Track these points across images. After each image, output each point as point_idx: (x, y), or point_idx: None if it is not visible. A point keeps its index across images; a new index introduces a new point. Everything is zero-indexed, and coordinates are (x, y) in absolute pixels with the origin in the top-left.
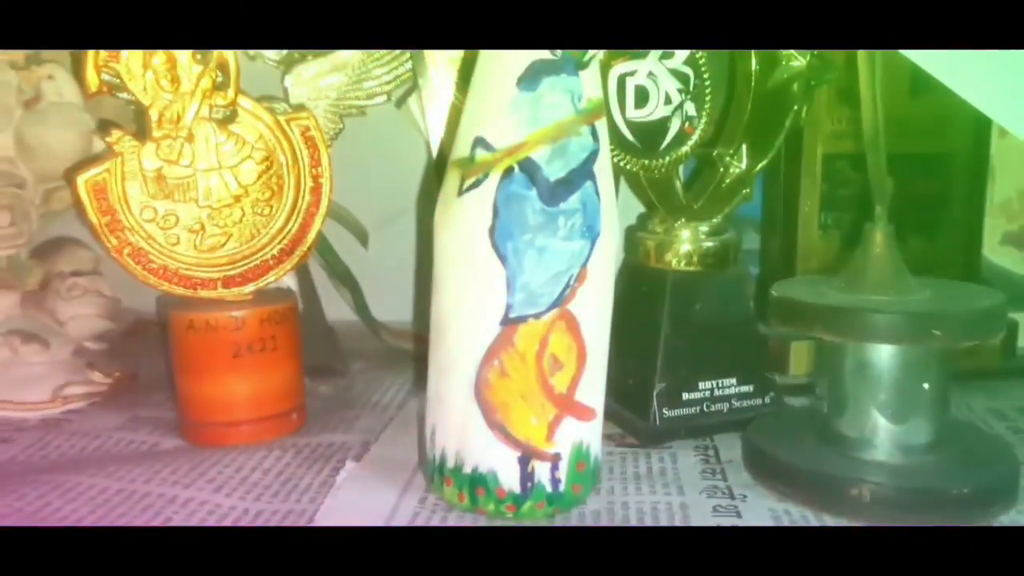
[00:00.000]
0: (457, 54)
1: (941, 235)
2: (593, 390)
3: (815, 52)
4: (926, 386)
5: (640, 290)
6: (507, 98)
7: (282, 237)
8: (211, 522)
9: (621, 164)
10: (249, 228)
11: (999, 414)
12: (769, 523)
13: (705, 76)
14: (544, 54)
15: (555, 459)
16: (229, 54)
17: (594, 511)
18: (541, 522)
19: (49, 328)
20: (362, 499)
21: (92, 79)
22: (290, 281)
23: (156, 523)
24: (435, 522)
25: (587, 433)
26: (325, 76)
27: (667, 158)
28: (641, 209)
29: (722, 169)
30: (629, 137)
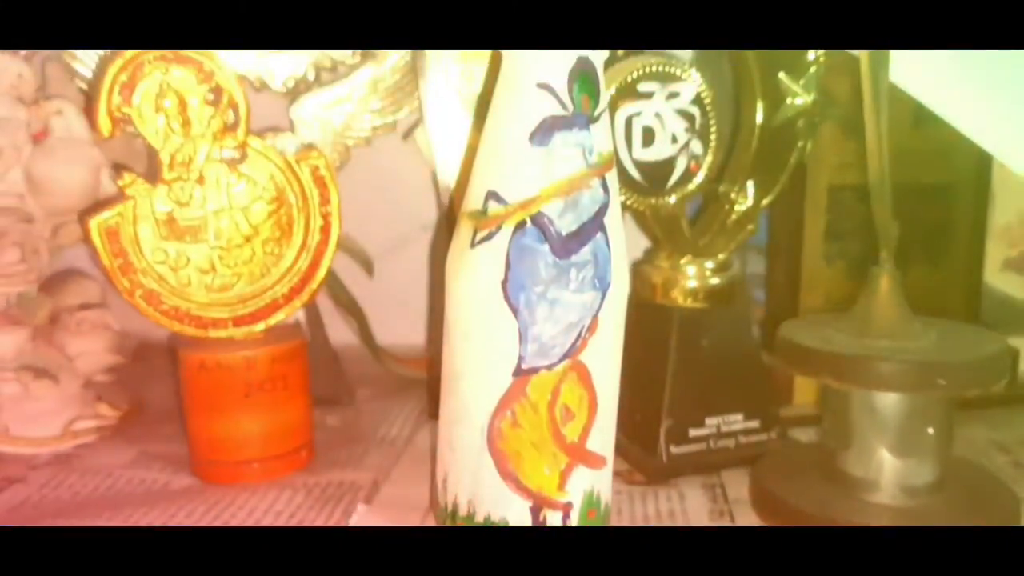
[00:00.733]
0: (465, 86)
1: (943, 262)
2: (604, 438)
3: (819, 89)
4: (931, 430)
5: (646, 325)
6: (520, 152)
7: (292, 275)
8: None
9: (628, 203)
10: (259, 267)
11: (1001, 447)
12: None
13: (711, 115)
14: (556, 109)
15: (567, 508)
16: (239, 96)
17: None
18: None
19: (59, 363)
20: None
21: (105, 123)
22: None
23: None
24: None
25: (598, 480)
26: (331, 106)
27: (673, 196)
28: (647, 243)
29: (727, 206)
30: (636, 176)
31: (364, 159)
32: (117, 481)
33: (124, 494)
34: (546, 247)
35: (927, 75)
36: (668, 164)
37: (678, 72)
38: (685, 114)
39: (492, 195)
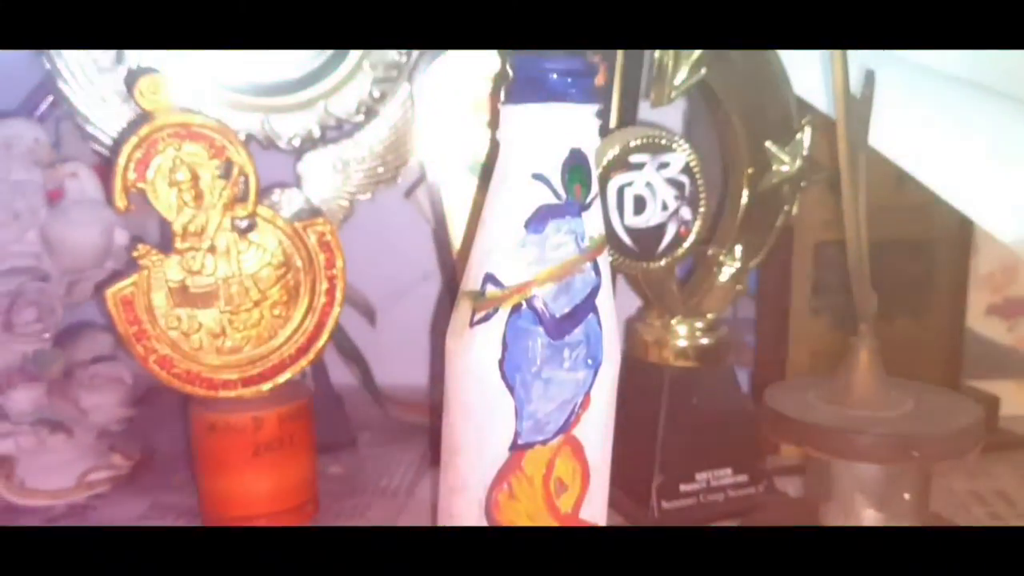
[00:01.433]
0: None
1: (926, 314)
2: (596, 507)
3: (804, 155)
4: (907, 496)
5: (638, 383)
6: (516, 238)
7: (298, 336)
8: None
9: (620, 267)
10: (267, 329)
11: (978, 498)
12: None
13: (700, 182)
14: (550, 198)
15: None
16: (250, 169)
17: None
18: None
19: (73, 417)
20: None
21: (121, 200)
22: None
23: None
24: None
25: None
26: (336, 163)
27: (664, 260)
28: (638, 301)
29: (716, 268)
30: (628, 242)
31: (367, 211)
32: None
33: None
34: (541, 329)
35: (906, 141)
36: (659, 230)
37: (668, 143)
38: (675, 182)
39: (490, 278)
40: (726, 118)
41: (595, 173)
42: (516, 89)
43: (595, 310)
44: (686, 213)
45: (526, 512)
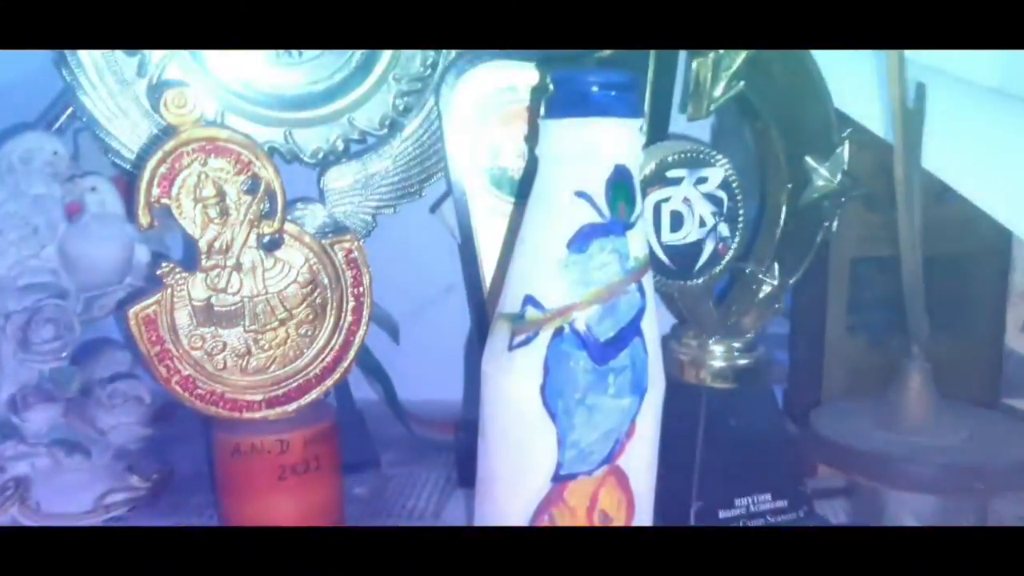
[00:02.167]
0: (494, 159)
1: (964, 331)
2: None
3: (845, 170)
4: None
5: (674, 404)
6: (557, 259)
7: (325, 355)
8: None
9: (656, 286)
10: (293, 349)
11: None
12: None
13: (738, 197)
14: (593, 216)
15: None
16: (277, 184)
17: None
18: None
19: (91, 437)
20: None
21: (144, 217)
22: None
23: None
24: None
25: None
26: (359, 177)
27: (701, 279)
28: (673, 319)
29: (754, 286)
30: (664, 260)
31: (391, 225)
32: None
33: None
34: (584, 353)
35: (947, 154)
36: (696, 247)
37: (706, 157)
38: (713, 198)
39: (530, 300)
40: (764, 131)
41: (640, 190)
42: (557, 103)
43: (640, 333)
44: (724, 229)
45: None
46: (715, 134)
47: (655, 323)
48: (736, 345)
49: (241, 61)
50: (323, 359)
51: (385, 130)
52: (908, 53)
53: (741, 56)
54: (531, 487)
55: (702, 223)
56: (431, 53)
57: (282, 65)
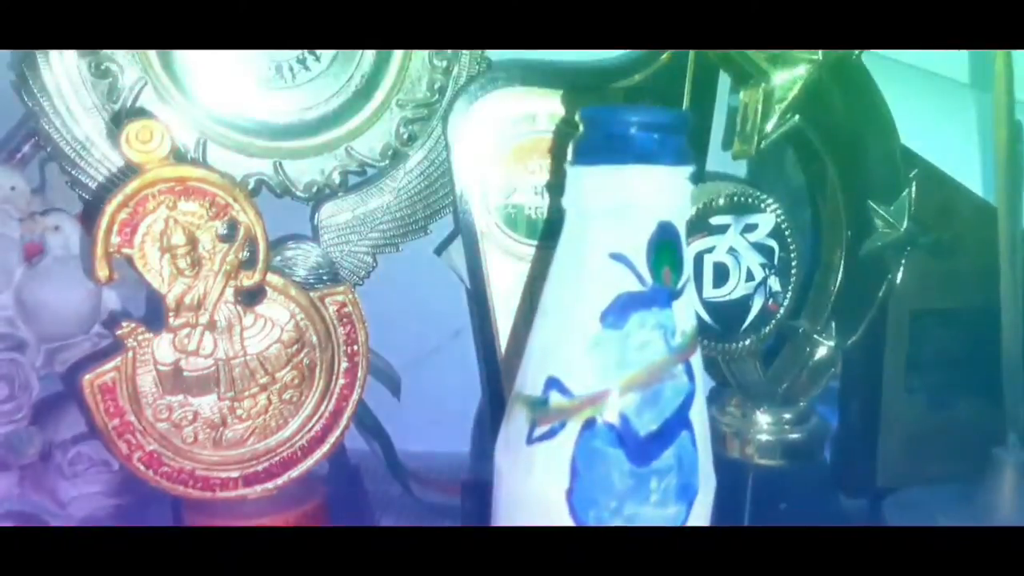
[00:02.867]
0: (507, 198)
1: None
2: None
3: (911, 216)
4: None
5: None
6: (588, 335)
7: (312, 424)
8: None
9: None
10: (275, 418)
11: None
12: None
13: (792, 247)
14: (632, 284)
15: None
16: (258, 229)
17: None
18: None
19: (49, 511)
20: None
21: (102, 270)
22: None
23: None
24: None
25: None
26: (357, 212)
27: (748, 340)
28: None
29: (808, 347)
30: (706, 319)
31: (393, 267)
32: None
33: None
34: (621, 452)
35: None
36: (743, 304)
37: (755, 201)
38: (763, 248)
39: (554, 383)
40: (821, 172)
41: (687, 251)
42: (588, 147)
43: (689, 426)
44: (775, 284)
45: None
46: (754, 175)
47: (705, 411)
48: (786, 416)
49: (226, 85)
50: (311, 429)
51: (387, 161)
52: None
53: (797, 85)
54: None
55: (750, 276)
56: (439, 77)
57: (273, 88)
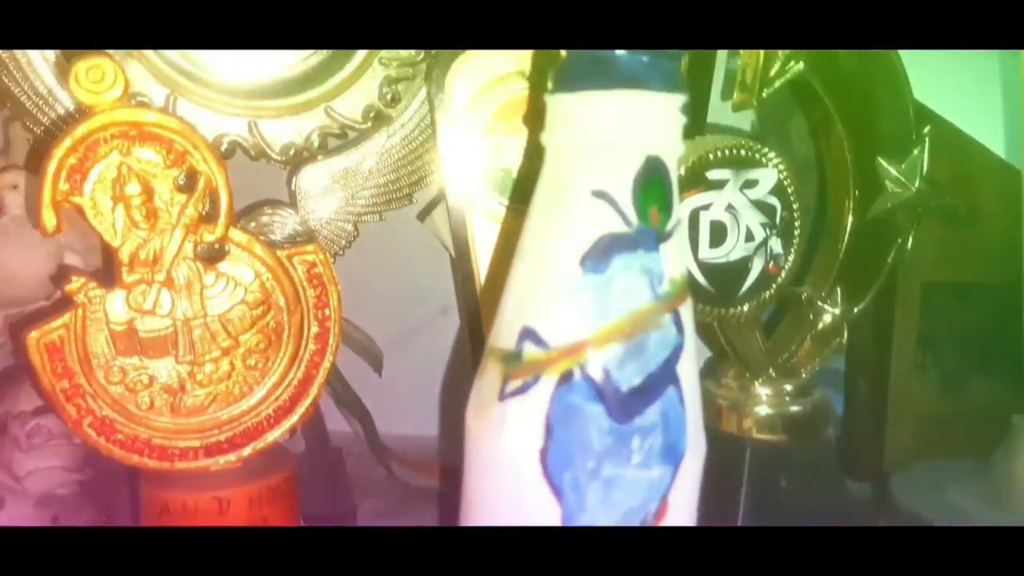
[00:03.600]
0: (495, 159)
1: None
2: None
3: (924, 176)
4: None
5: (711, 460)
6: (567, 280)
7: (279, 392)
8: None
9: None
10: (240, 384)
11: None
12: None
13: (795, 206)
14: (615, 224)
15: None
16: (219, 180)
17: None
18: None
19: (5, 485)
20: None
21: (48, 218)
22: None
23: None
24: None
25: None
26: (338, 178)
27: (747, 305)
28: (706, 351)
29: (812, 315)
30: (702, 282)
31: (375, 235)
32: None
33: None
34: (601, 407)
35: None
36: (741, 266)
37: (756, 155)
38: (763, 206)
39: (529, 334)
40: (827, 126)
41: (677, 191)
42: (571, 73)
43: (676, 381)
44: (776, 245)
45: None
46: (756, 131)
47: (695, 368)
48: (787, 388)
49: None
50: (278, 397)
51: (369, 123)
52: None
53: None
54: None
55: (749, 237)
56: None
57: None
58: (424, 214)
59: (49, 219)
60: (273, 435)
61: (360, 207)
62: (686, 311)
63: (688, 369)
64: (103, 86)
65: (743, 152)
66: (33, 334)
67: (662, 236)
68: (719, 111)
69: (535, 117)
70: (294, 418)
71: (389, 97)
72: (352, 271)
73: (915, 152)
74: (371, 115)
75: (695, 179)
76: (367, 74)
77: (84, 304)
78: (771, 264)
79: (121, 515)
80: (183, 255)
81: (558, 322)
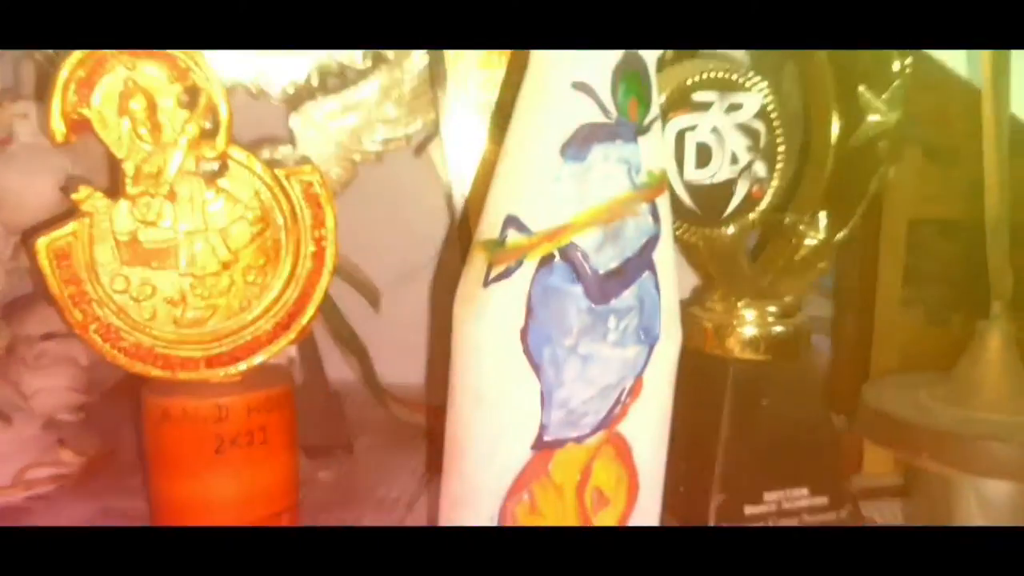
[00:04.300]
0: (490, 93)
1: None
2: None
3: (904, 106)
4: None
5: (694, 380)
6: (548, 169)
7: (277, 309)
8: None
9: (677, 233)
10: (239, 299)
11: None
12: None
13: (778, 132)
14: (595, 115)
15: None
16: (220, 96)
17: None
18: None
19: (12, 402)
20: None
21: (58, 127)
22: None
23: None
24: None
25: None
26: (336, 117)
27: (732, 227)
28: (695, 280)
29: (795, 240)
30: (687, 202)
31: (373, 177)
32: None
33: None
34: (579, 289)
35: None
36: (726, 188)
37: (741, 80)
38: (748, 130)
39: (512, 221)
40: (810, 54)
41: (656, 84)
42: None
43: (651, 267)
44: (760, 169)
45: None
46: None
47: (672, 259)
48: (771, 310)
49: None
50: (275, 313)
51: (368, 62)
52: None
53: None
54: (507, 457)
55: (734, 160)
56: None
57: None
58: (420, 148)
59: (58, 128)
60: (271, 349)
61: (358, 147)
62: (663, 203)
63: (664, 258)
64: None
65: (728, 76)
66: (42, 240)
67: (640, 129)
68: None
69: None
70: (291, 334)
71: None
72: (348, 212)
73: (896, 83)
74: (370, 55)
75: (681, 100)
76: None
77: (91, 213)
78: (755, 187)
79: (124, 439)
80: (185, 170)
81: (540, 208)
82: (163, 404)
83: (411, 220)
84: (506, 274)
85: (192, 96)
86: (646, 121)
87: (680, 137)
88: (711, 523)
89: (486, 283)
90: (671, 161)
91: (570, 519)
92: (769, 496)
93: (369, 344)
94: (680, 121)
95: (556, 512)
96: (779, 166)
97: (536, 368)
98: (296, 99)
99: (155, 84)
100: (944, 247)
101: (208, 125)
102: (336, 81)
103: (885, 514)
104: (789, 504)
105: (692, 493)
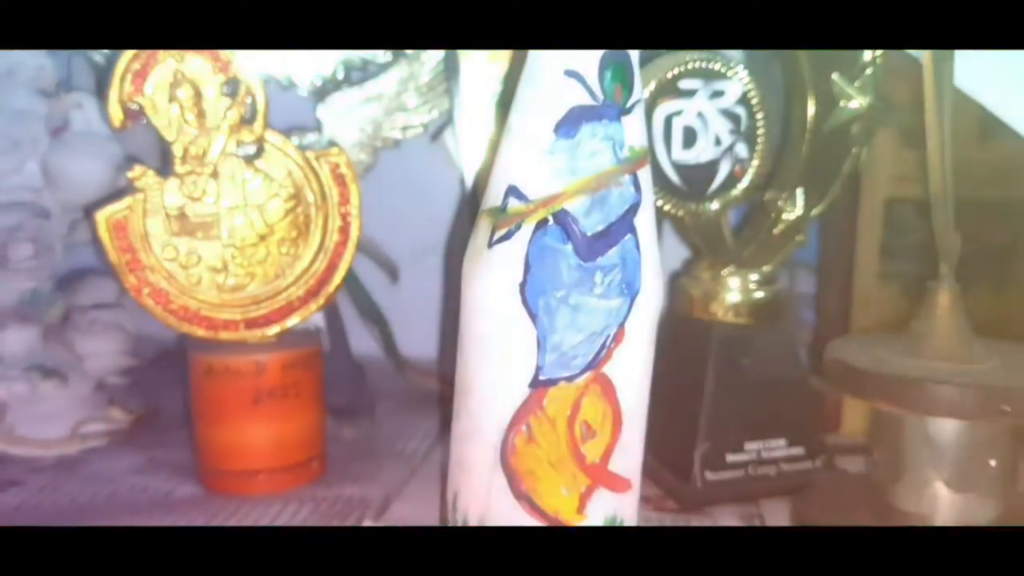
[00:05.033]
0: (498, 86)
1: (1009, 283)
2: (629, 459)
3: (876, 93)
4: (993, 463)
5: (683, 342)
6: (543, 145)
7: (308, 277)
8: None
9: (666, 208)
10: (274, 267)
11: None
12: None
13: (758, 116)
14: (584, 98)
15: None
16: (257, 87)
17: None
18: None
19: (68, 363)
20: None
21: (116, 113)
22: (317, 316)
23: None
24: None
25: (621, 505)
26: (360, 107)
27: (716, 202)
28: (686, 253)
29: (774, 215)
30: (675, 180)
31: (392, 162)
32: (119, 488)
33: (124, 502)
34: (569, 247)
35: (997, 82)
36: (710, 168)
37: (723, 69)
38: (730, 114)
39: (512, 191)
40: None
41: (639, 73)
42: None
43: (633, 231)
44: (741, 150)
45: (547, 458)
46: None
47: (652, 225)
48: (753, 278)
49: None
50: (306, 280)
51: (389, 57)
52: None
53: None
54: (508, 394)
55: (717, 141)
56: None
57: None
58: (436, 135)
59: (116, 114)
60: (303, 313)
61: (379, 135)
62: (644, 176)
63: (645, 223)
64: None
65: (711, 66)
66: (101, 213)
67: (624, 111)
68: None
69: None
70: (321, 299)
71: None
72: (369, 195)
73: (868, 72)
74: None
75: (669, 88)
76: None
77: (145, 189)
78: (737, 167)
79: (165, 401)
80: (227, 152)
81: (537, 179)
82: (207, 360)
83: (427, 201)
84: (507, 236)
85: (233, 86)
86: (629, 104)
87: (668, 121)
88: (696, 470)
89: (490, 244)
90: (660, 143)
91: (562, 448)
92: (749, 446)
93: (389, 315)
94: (668, 107)
95: (550, 442)
96: (759, 147)
97: (533, 317)
98: (323, 91)
99: (200, 75)
100: (918, 224)
101: (247, 112)
102: (359, 74)
103: (858, 467)
104: (768, 453)
105: (679, 442)
